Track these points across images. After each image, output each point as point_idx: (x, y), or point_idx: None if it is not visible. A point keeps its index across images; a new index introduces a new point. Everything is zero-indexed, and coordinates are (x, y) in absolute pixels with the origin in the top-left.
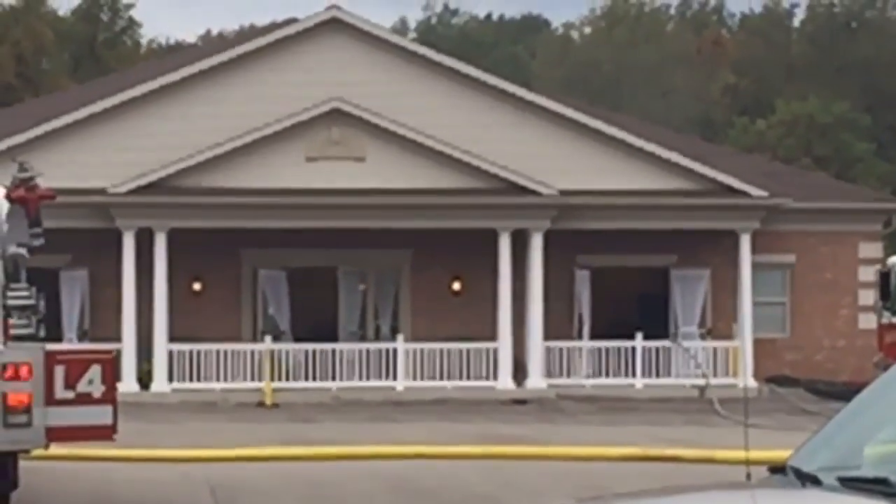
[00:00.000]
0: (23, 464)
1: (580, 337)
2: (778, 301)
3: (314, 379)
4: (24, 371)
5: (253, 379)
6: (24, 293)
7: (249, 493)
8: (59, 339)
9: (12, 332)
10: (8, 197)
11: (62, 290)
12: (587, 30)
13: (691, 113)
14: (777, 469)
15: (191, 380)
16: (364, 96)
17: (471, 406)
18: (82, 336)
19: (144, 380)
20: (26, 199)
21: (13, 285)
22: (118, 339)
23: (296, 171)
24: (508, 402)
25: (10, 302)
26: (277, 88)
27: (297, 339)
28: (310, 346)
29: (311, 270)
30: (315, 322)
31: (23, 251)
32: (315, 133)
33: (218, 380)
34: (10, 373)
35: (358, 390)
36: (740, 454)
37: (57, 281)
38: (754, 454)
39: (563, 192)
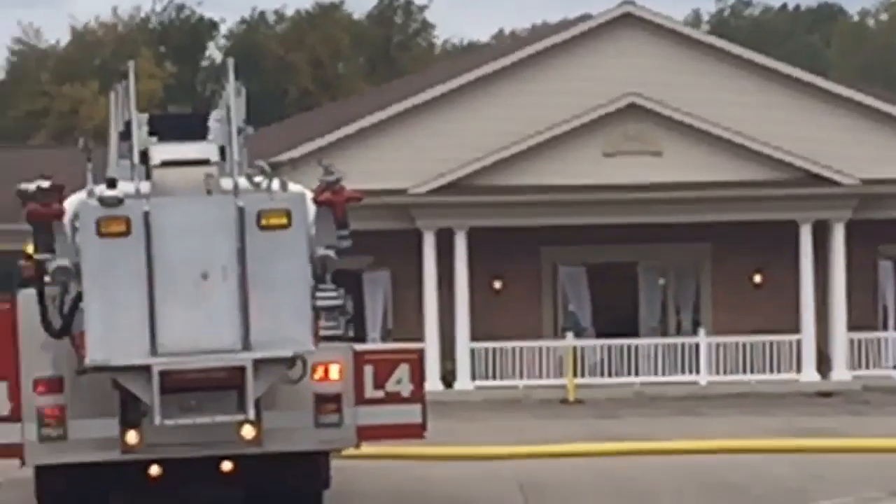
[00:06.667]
0: (332, 463)
1: (885, 328)
2: None
3: (616, 375)
4: (334, 371)
5: (555, 376)
6: (332, 294)
7: (557, 489)
8: (362, 339)
9: (322, 332)
10: (315, 200)
11: (365, 291)
12: (883, 16)
13: None
14: None
15: (493, 377)
16: (658, 90)
17: (774, 399)
18: (385, 336)
19: (448, 378)
20: (333, 202)
21: (321, 287)
22: (420, 338)
23: (593, 166)
24: (813, 395)
25: (319, 303)
26: (571, 85)
27: (599, 335)
28: (611, 342)
29: (611, 266)
30: (616, 317)
31: (331, 253)
32: (611, 129)
33: (520, 377)
34: (320, 373)
35: (660, 385)
36: None
37: (360, 282)
38: None
39: (865, 182)
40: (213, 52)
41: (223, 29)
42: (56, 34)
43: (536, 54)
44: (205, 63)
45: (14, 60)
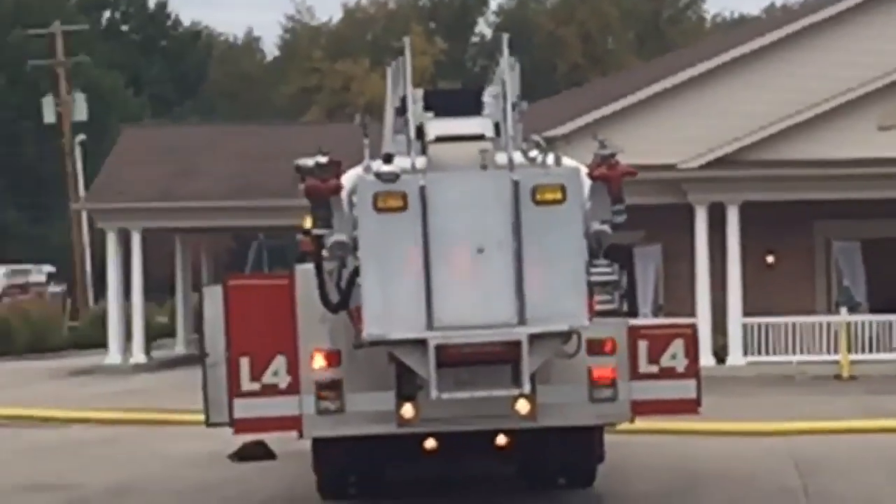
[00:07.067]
0: (605, 437)
1: None
2: None
3: (891, 351)
4: (608, 346)
5: (829, 352)
6: (607, 269)
7: (833, 466)
8: (634, 314)
9: (596, 307)
10: (590, 175)
11: (636, 266)
12: None
13: None
14: None
15: (766, 353)
16: None
17: None
18: (657, 311)
19: (720, 354)
20: (608, 177)
21: (595, 262)
22: (692, 313)
23: (868, 140)
24: None
25: (594, 278)
26: (845, 58)
27: (874, 311)
28: (887, 318)
29: (886, 241)
30: (891, 293)
31: (605, 228)
32: (887, 101)
33: (793, 352)
34: (595, 348)
35: None
36: None
37: (631, 257)
38: None
39: None
40: (483, 28)
41: (493, 5)
42: (328, 12)
43: (809, 27)
44: (474, 39)
45: (287, 38)
